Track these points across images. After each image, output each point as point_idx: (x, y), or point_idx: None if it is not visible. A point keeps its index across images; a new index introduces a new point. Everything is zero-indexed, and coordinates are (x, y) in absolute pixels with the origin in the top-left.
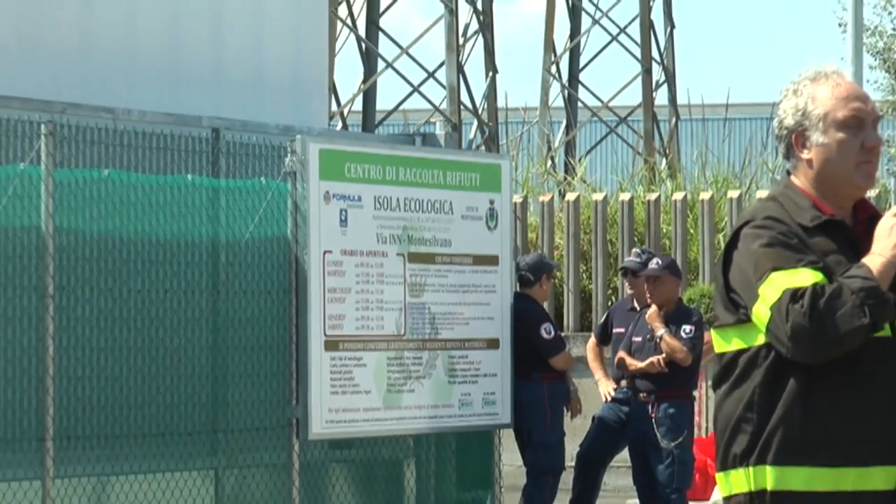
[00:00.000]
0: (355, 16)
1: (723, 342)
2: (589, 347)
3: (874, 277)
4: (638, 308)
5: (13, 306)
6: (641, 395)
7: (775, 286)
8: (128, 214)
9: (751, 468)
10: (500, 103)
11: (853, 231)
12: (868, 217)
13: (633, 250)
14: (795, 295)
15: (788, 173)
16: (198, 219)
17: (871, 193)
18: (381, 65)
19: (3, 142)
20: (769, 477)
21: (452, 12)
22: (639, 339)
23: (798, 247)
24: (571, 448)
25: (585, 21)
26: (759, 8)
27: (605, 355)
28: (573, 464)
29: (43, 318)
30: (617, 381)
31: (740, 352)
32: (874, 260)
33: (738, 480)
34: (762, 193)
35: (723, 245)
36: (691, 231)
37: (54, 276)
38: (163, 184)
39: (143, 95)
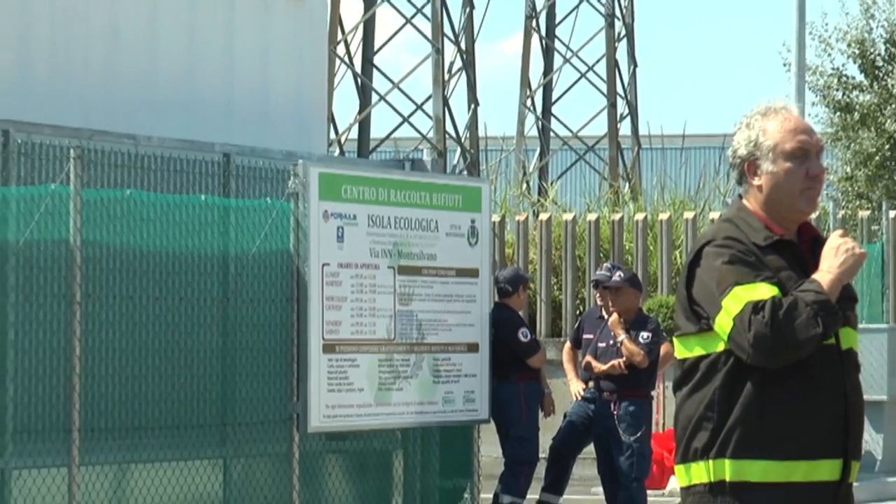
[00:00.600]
0: (352, 53)
1: (684, 349)
2: (564, 351)
3: (825, 292)
4: (605, 316)
5: (45, 312)
6: (605, 394)
7: (738, 299)
8: (147, 230)
9: (711, 461)
10: (481, 133)
11: (800, 250)
12: (811, 237)
13: (605, 265)
14: (756, 307)
15: (740, 197)
16: (210, 234)
17: (812, 216)
18: (374, 98)
19: (36, 164)
20: (728, 469)
21: (439, 51)
22: (603, 344)
23: (755, 264)
24: (545, 441)
25: (557, 60)
26: (714, 48)
27: (577, 359)
28: (546, 455)
29: (71, 322)
30: (585, 382)
31: (701, 357)
32: (823, 276)
33: (699, 472)
34: (715, 215)
35: (679, 261)
36: (651, 248)
37: (81, 285)
38: (179, 203)
39: (162, 124)
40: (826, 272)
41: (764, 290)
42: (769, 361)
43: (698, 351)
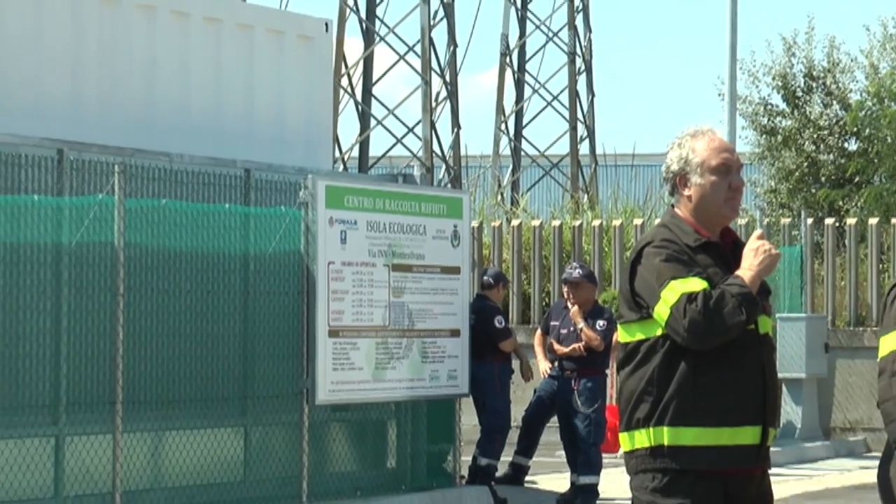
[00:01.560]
0: (353, 85)
1: (626, 334)
2: (536, 337)
3: (747, 285)
4: (569, 307)
5: (93, 302)
6: (567, 372)
7: (674, 291)
8: (180, 234)
9: (651, 429)
10: (463, 152)
11: (723, 250)
12: (732, 240)
13: (573, 264)
14: (690, 297)
15: (673, 206)
16: (233, 237)
17: (740, 222)
18: (372, 122)
19: (86, 178)
20: (666, 435)
21: (427, 83)
22: (565, 330)
23: (688, 261)
24: (517, 413)
25: (527, 91)
26: (660, 80)
27: (546, 343)
28: (518, 424)
29: (115, 311)
30: (551, 363)
31: (642, 341)
32: (745, 273)
33: (641, 438)
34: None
35: (629, 262)
36: (606, 249)
37: (124, 280)
38: (206, 211)
39: (192, 144)
40: (748, 269)
41: (696, 284)
42: (701, 344)
43: (639, 336)
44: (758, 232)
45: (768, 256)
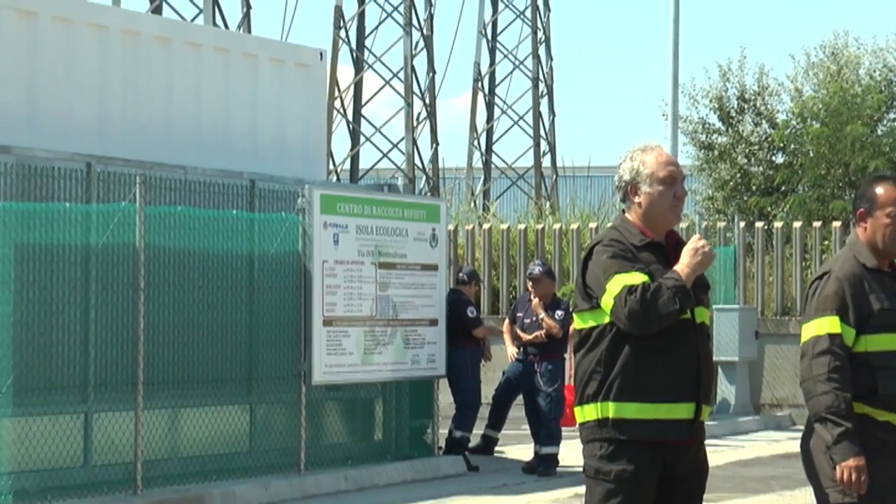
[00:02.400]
0: (345, 106)
1: (580, 321)
2: (504, 326)
3: (682, 280)
4: (532, 300)
5: (118, 296)
6: (530, 356)
7: (617, 283)
8: (193, 236)
9: (598, 404)
10: (440, 165)
11: (666, 250)
12: (675, 241)
13: (535, 262)
14: (631, 289)
15: (623, 211)
16: (240, 239)
17: (682, 226)
18: (361, 139)
19: (111, 188)
20: (611, 409)
21: (409, 105)
22: (529, 320)
23: (631, 258)
24: (488, 392)
25: (497, 111)
26: (613, 102)
27: (513, 331)
28: (488, 402)
29: (136, 304)
30: (518, 349)
31: (593, 328)
32: (682, 269)
33: (591, 411)
34: None
35: (583, 258)
36: (564, 249)
37: (144, 277)
38: (217, 216)
39: (204, 159)
40: (685, 266)
41: (637, 278)
42: (639, 330)
43: (591, 323)
44: (697, 235)
45: (704, 255)
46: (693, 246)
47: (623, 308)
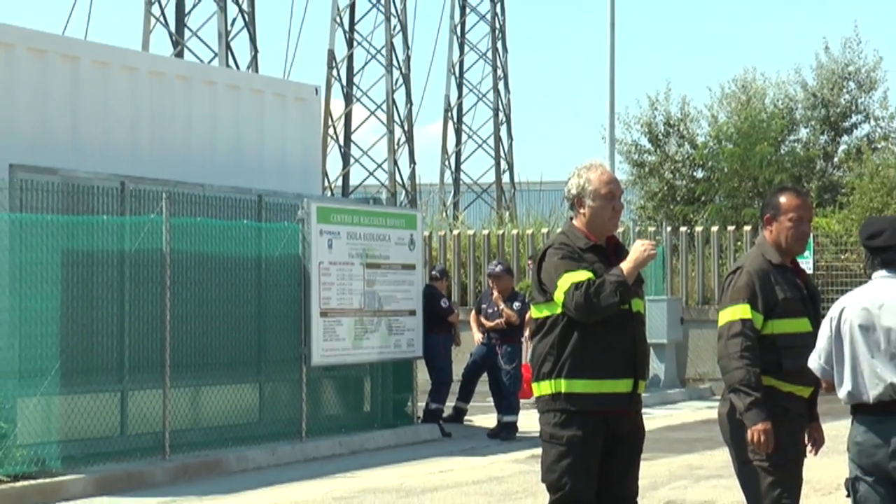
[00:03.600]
0: (337, 133)
1: (537, 312)
2: (472, 315)
3: (624, 276)
4: (494, 293)
5: (148, 293)
6: (493, 340)
7: (566, 280)
8: (211, 241)
9: (553, 380)
10: (418, 182)
11: (607, 251)
12: (614, 243)
13: (496, 262)
14: (577, 285)
15: (571, 218)
16: (250, 244)
17: (619, 230)
18: (351, 160)
19: (141, 202)
20: (563, 385)
21: (391, 132)
22: (491, 310)
23: (578, 258)
24: (458, 371)
25: (464, 137)
26: (561, 127)
27: (479, 320)
28: (458, 379)
29: (164, 299)
30: (483, 334)
31: (548, 317)
32: (625, 265)
33: (546, 387)
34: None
35: (537, 259)
36: (521, 251)
37: (170, 276)
38: (230, 226)
39: (220, 177)
40: (628, 263)
41: (583, 275)
42: (585, 318)
43: (546, 313)
44: (644, 240)
45: (644, 254)
46: (638, 245)
47: (571, 301)
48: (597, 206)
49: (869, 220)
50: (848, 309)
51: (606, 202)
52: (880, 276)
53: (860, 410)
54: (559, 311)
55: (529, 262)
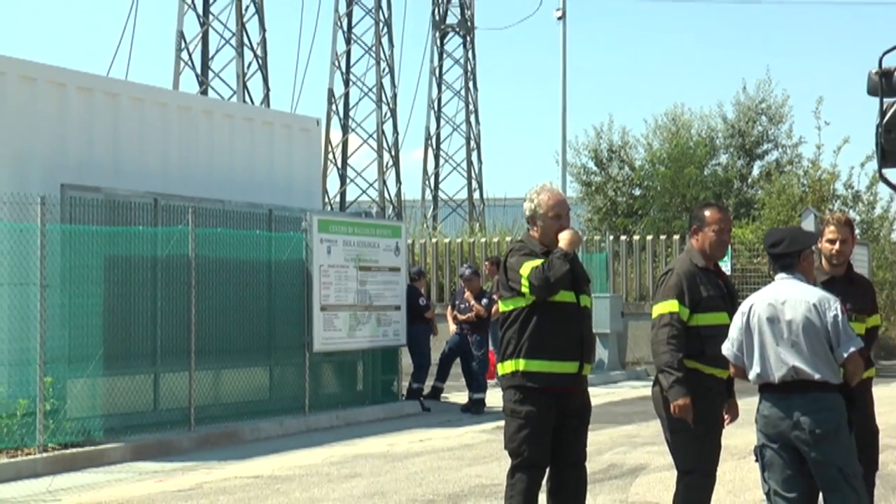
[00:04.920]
0: (336, 158)
1: (504, 306)
2: (448, 310)
3: (564, 251)
4: (465, 292)
5: (176, 291)
6: (465, 331)
7: (527, 268)
8: (230, 248)
9: (513, 360)
10: (402, 198)
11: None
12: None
13: (467, 265)
14: (535, 268)
15: (528, 230)
16: (262, 251)
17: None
18: (347, 180)
19: (171, 216)
20: (522, 364)
21: (381, 157)
22: (463, 306)
23: (534, 255)
24: (436, 356)
25: (442, 160)
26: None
27: (453, 313)
28: (437, 363)
29: (189, 296)
30: (456, 325)
31: (513, 310)
32: (563, 245)
33: (509, 366)
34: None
35: (501, 262)
36: (489, 256)
37: (195, 278)
38: (245, 235)
39: (237, 194)
40: (563, 244)
41: (539, 261)
42: (547, 290)
43: (511, 306)
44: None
45: (570, 233)
46: (569, 234)
47: (534, 278)
48: (546, 224)
49: (771, 231)
50: (756, 305)
51: (555, 221)
52: (781, 277)
53: (767, 389)
54: (522, 304)
55: (486, 263)
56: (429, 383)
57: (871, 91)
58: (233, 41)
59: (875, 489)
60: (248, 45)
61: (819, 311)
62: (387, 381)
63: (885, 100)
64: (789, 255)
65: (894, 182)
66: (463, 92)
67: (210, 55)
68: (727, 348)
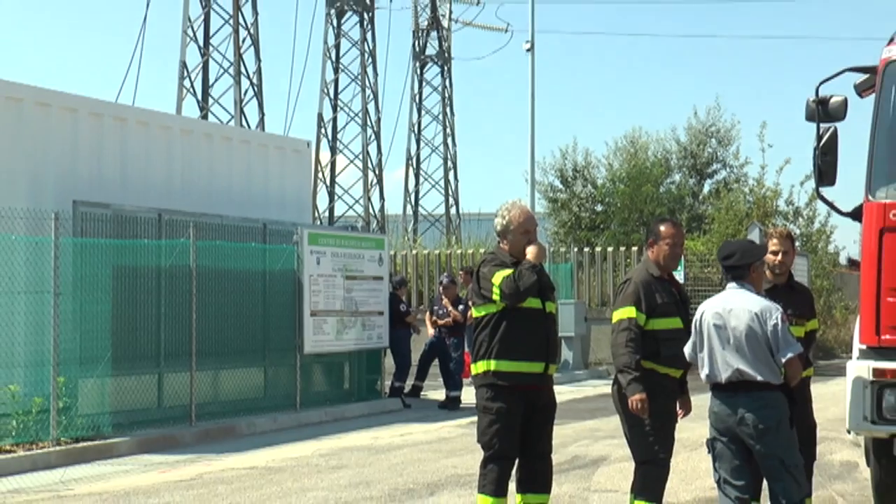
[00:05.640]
0: (325, 177)
1: (477, 312)
2: (427, 315)
3: (532, 263)
4: (443, 298)
5: (179, 298)
6: (443, 334)
7: (499, 276)
8: (228, 260)
9: (485, 361)
10: (386, 213)
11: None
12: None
13: (444, 274)
14: (507, 277)
15: (499, 243)
16: (257, 261)
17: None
18: (336, 197)
19: (174, 230)
20: (493, 364)
21: (366, 175)
22: (441, 311)
23: (504, 265)
24: (416, 357)
25: (421, 179)
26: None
27: (432, 318)
28: (417, 363)
29: (190, 303)
30: (435, 329)
31: (485, 315)
32: (531, 257)
33: (480, 366)
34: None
35: (474, 272)
36: (464, 266)
37: (196, 286)
38: (241, 247)
39: (234, 210)
40: (530, 256)
41: (508, 272)
42: (516, 297)
43: (483, 312)
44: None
45: (539, 249)
46: (534, 247)
47: (505, 287)
48: (516, 238)
49: (724, 244)
50: (706, 312)
51: (523, 237)
52: (731, 287)
53: (716, 388)
54: (494, 310)
55: (461, 272)
56: (409, 382)
57: (809, 117)
58: (231, 70)
59: (813, 477)
60: (245, 73)
61: (761, 320)
62: (371, 380)
63: (821, 125)
64: (741, 266)
65: (830, 200)
66: (441, 117)
67: (210, 83)
68: (688, 349)
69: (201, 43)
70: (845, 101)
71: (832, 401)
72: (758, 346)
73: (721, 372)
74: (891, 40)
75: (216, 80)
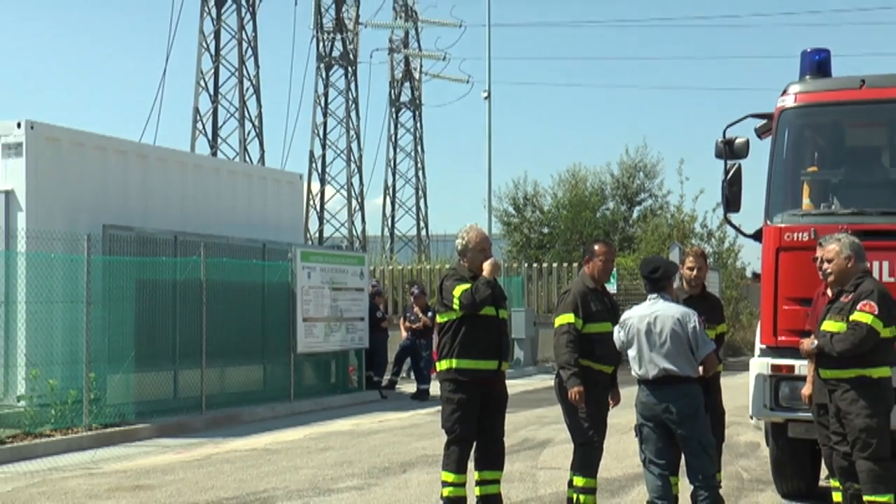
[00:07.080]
0: (315, 205)
1: (440, 318)
2: (401, 321)
3: (486, 279)
4: (415, 306)
5: (191, 307)
6: (415, 336)
7: (459, 289)
8: (232, 274)
9: (448, 359)
10: (367, 234)
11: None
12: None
13: (415, 286)
14: (464, 291)
15: (460, 261)
16: (258, 276)
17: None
18: (325, 221)
19: (187, 249)
20: (454, 363)
21: (350, 203)
22: (413, 318)
23: (466, 281)
24: (391, 356)
25: (397, 205)
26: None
27: (406, 323)
28: (392, 361)
29: (201, 310)
30: (408, 332)
31: (447, 321)
32: (486, 273)
33: (444, 364)
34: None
35: (438, 286)
36: (433, 280)
37: (206, 296)
38: (244, 264)
39: (238, 232)
40: (486, 272)
41: (467, 286)
42: (473, 308)
43: (445, 318)
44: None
45: (490, 263)
46: (489, 264)
47: (464, 298)
48: (474, 256)
49: (647, 260)
50: (633, 318)
51: (481, 255)
52: (653, 297)
53: (644, 383)
54: (455, 316)
55: (413, 288)
56: (386, 377)
57: (718, 155)
58: (236, 115)
59: (722, 455)
60: (248, 117)
61: (682, 323)
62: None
63: (728, 162)
64: (663, 279)
65: (737, 224)
66: (413, 153)
67: (219, 125)
68: (618, 345)
69: (212, 92)
70: (747, 142)
71: (738, 391)
72: (681, 345)
73: (649, 370)
74: (784, 91)
75: (224, 123)
